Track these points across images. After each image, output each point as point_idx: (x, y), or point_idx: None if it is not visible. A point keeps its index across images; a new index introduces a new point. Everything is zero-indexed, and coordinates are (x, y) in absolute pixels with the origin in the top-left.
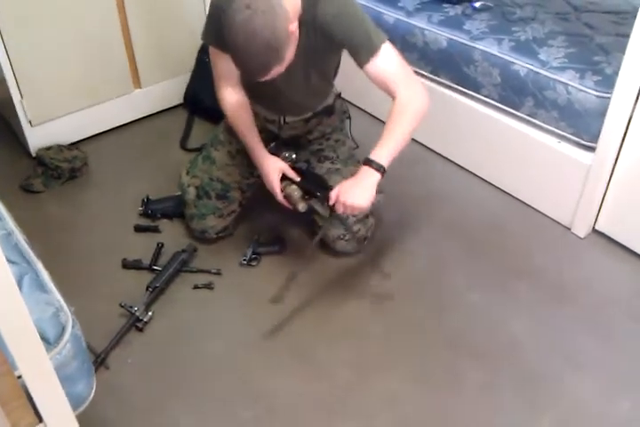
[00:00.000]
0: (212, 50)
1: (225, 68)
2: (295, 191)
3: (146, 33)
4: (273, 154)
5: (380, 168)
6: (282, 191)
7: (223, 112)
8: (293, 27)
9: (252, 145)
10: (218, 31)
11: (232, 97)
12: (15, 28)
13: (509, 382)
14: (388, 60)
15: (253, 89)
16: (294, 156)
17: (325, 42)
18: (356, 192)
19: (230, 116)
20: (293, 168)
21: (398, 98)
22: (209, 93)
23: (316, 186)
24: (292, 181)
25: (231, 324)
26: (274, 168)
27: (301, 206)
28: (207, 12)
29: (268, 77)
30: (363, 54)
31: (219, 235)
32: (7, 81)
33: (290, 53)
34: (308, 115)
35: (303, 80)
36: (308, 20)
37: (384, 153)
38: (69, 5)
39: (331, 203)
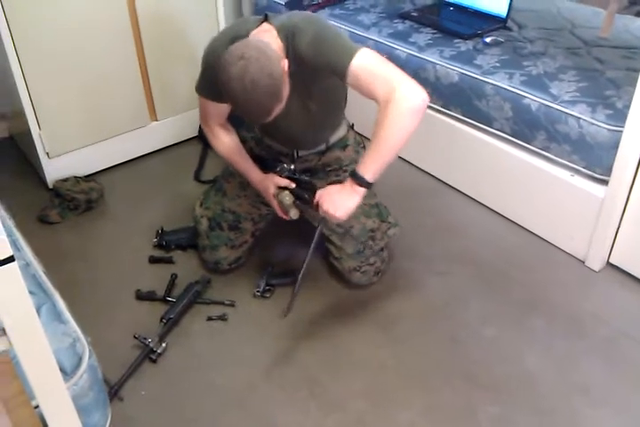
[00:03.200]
0: (202, 99)
1: (215, 112)
2: (287, 197)
3: (162, 67)
4: (269, 170)
5: (367, 185)
6: (275, 198)
7: (211, 144)
8: (285, 64)
9: (246, 169)
10: (210, 85)
11: (220, 131)
12: (35, 61)
13: (524, 415)
14: (364, 65)
15: (264, 127)
16: (292, 166)
17: (309, 71)
18: (336, 201)
19: (220, 146)
20: (289, 178)
21: (380, 101)
22: (230, 122)
23: (306, 190)
24: (286, 189)
25: (244, 356)
26: (269, 184)
27: (293, 213)
28: (201, 67)
29: (270, 119)
30: (340, 68)
31: (231, 266)
32: (26, 113)
33: (286, 91)
34: (322, 147)
35: (303, 113)
36: (289, 54)
37: (371, 167)
38: (89, 40)
39: (314, 202)
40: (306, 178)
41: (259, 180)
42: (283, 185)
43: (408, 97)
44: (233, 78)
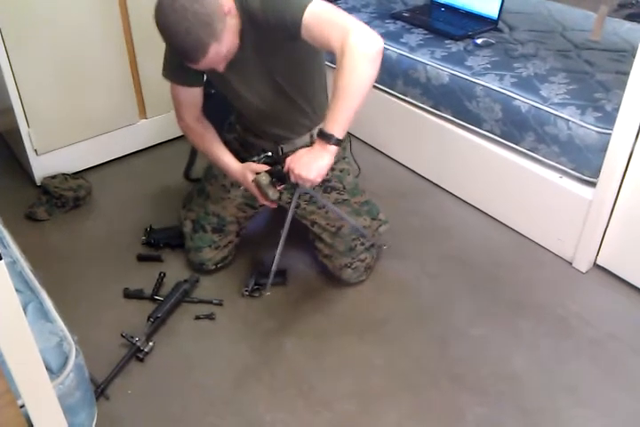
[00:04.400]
0: (172, 85)
1: (187, 100)
2: (263, 177)
3: (152, 65)
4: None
5: (337, 142)
6: (253, 182)
7: (189, 139)
8: (228, 8)
9: (226, 162)
10: (176, 66)
11: (197, 125)
12: (24, 58)
13: (511, 416)
14: (316, 15)
15: (241, 115)
16: (269, 153)
17: (267, 34)
18: (307, 163)
19: (198, 141)
20: (267, 164)
21: (335, 50)
22: (212, 124)
23: (282, 167)
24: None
25: (232, 355)
26: (246, 172)
27: (271, 193)
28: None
29: (209, 61)
30: (293, 21)
31: (218, 266)
32: (14, 110)
33: (228, 35)
34: (306, 140)
35: (272, 89)
36: (245, 18)
37: (337, 123)
38: (79, 37)
39: (285, 169)
40: (283, 155)
41: (238, 170)
42: (260, 170)
43: (363, 42)
44: (164, 5)
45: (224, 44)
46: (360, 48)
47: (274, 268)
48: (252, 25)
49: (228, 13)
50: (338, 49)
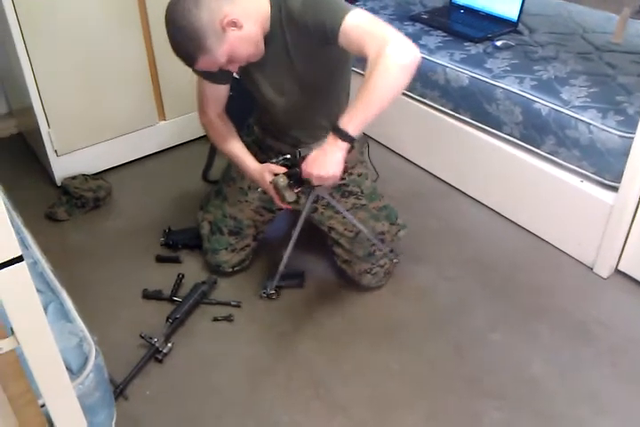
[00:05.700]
0: (198, 79)
1: (212, 95)
2: (281, 179)
3: (172, 66)
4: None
5: (349, 139)
6: (270, 184)
7: (208, 135)
8: (228, 21)
9: (243, 160)
10: None
11: (218, 121)
12: (45, 59)
13: (528, 422)
14: (356, 23)
15: (263, 115)
16: (288, 156)
17: (304, 36)
18: (320, 162)
19: (217, 137)
20: (286, 166)
21: (370, 57)
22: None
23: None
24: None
25: (250, 357)
26: (265, 172)
27: (288, 195)
28: None
29: (204, 67)
30: (332, 27)
31: (234, 269)
32: (35, 111)
33: (228, 46)
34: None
35: (300, 89)
36: (282, 17)
37: (354, 121)
38: (98, 38)
39: (302, 175)
40: (300, 158)
41: (256, 170)
42: (278, 172)
43: (399, 52)
44: (166, 14)
45: (219, 54)
46: (395, 56)
47: (281, 267)
48: (288, 24)
49: (230, 26)
50: (372, 56)
